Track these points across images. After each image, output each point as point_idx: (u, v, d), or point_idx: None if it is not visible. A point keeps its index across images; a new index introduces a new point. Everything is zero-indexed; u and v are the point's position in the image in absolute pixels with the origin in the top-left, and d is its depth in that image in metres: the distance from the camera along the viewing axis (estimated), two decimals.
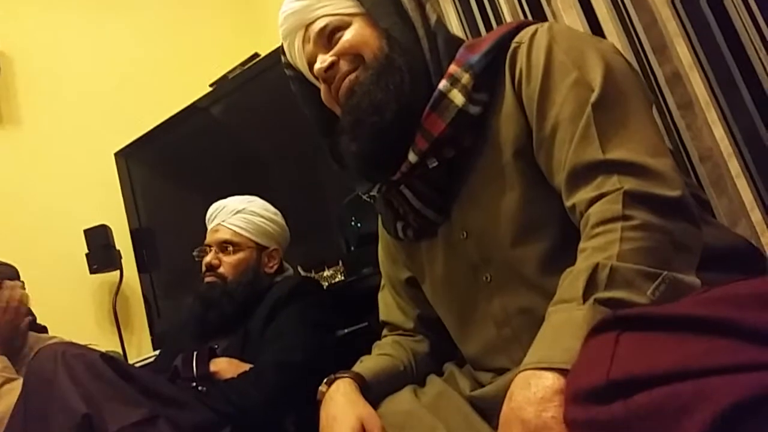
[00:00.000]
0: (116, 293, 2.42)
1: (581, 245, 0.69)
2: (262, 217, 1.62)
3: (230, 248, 1.58)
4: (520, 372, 0.60)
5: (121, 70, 2.72)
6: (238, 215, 1.60)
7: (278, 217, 1.67)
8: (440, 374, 0.99)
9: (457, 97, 0.82)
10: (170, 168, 2.47)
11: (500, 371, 0.88)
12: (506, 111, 0.83)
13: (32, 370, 1.14)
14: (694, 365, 0.41)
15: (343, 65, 0.90)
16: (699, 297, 0.51)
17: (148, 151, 2.47)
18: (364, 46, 0.89)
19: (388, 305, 1.11)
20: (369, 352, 1.05)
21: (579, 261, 0.67)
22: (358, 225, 1.89)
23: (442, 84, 0.83)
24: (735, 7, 1.12)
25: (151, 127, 2.41)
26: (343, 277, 1.81)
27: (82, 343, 1.27)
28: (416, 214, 0.92)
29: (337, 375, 0.92)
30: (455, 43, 0.88)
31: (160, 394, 1.18)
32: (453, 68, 0.84)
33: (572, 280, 0.64)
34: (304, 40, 0.94)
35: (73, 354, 1.14)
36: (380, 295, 1.13)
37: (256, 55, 2.33)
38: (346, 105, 0.90)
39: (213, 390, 1.28)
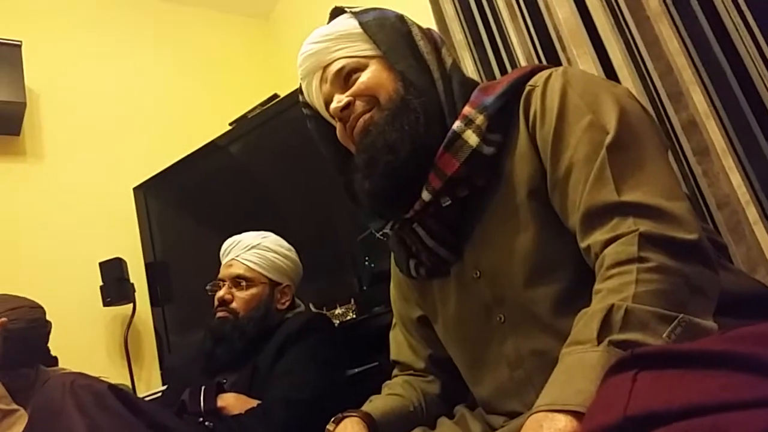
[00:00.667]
0: (128, 326, 2.42)
1: (596, 287, 0.69)
2: (276, 252, 1.62)
3: (243, 283, 1.58)
4: (532, 414, 0.59)
5: (144, 107, 2.79)
6: (252, 250, 1.60)
7: (292, 253, 1.67)
8: (451, 416, 0.97)
9: (471, 138, 0.82)
10: (187, 203, 2.51)
11: (512, 415, 0.87)
12: (520, 152, 0.83)
13: (40, 400, 1.14)
14: (712, 401, 0.40)
15: (359, 105, 0.91)
16: (719, 336, 0.50)
17: (166, 186, 2.50)
18: (379, 87, 0.90)
19: (399, 344, 1.10)
20: (379, 392, 1.04)
21: (594, 302, 0.67)
22: (371, 264, 1.89)
23: (456, 125, 0.84)
24: (750, 54, 1.13)
25: (171, 163, 2.45)
26: (354, 316, 1.80)
27: (93, 375, 1.27)
28: (429, 252, 0.92)
29: (345, 414, 0.91)
30: (470, 85, 0.90)
31: (167, 428, 1.17)
32: (467, 109, 0.85)
33: (587, 321, 0.63)
34: (322, 81, 0.96)
35: (81, 384, 1.13)
36: (391, 334, 1.12)
37: (275, 95, 2.38)
38: (361, 144, 0.91)
39: (220, 425, 1.27)
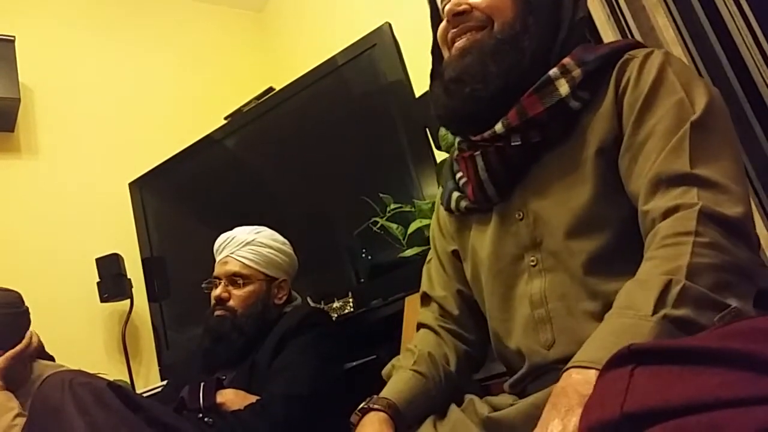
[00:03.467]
0: (126, 322, 2.42)
1: (651, 252, 0.70)
2: (271, 248, 1.61)
3: (240, 281, 1.57)
4: (572, 366, 0.61)
5: (138, 102, 2.78)
6: (247, 247, 1.59)
7: (286, 247, 1.66)
8: (460, 403, 0.97)
9: (563, 87, 0.84)
10: (183, 198, 2.50)
11: (521, 356, 0.88)
12: (601, 112, 0.84)
13: (39, 398, 1.14)
14: (709, 398, 0.41)
15: (473, 18, 0.90)
16: (715, 331, 0.50)
17: (162, 181, 2.50)
18: (499, 11, 0.89)
19: (431, 277, 1.09)
20: (378, 385, 1.03)
21: (647, 267, 0.69)
22: (369, 257, 1.89)
23: (553, 71, 0.85)
24: (746, 44, 1.13)
25: (166, 158, 2.44)
26: (352, 309, 1.81)
27: (91, 371, 1.27)
28: (478, 186, 0.92)
29: (372, 405, 0.89)
30: (584, 43, 0.90)
31: (166, 425, 1.17)
32: (567, 60, 0.86)
33: (643, 289, 0.65)
34: None
35: (80, 382, 1.13)
36: (425, 268, 1.12)
37: (270, 89, 2.37)
38: (457, 61, 0.91)
39: (219, 421, 1.27)
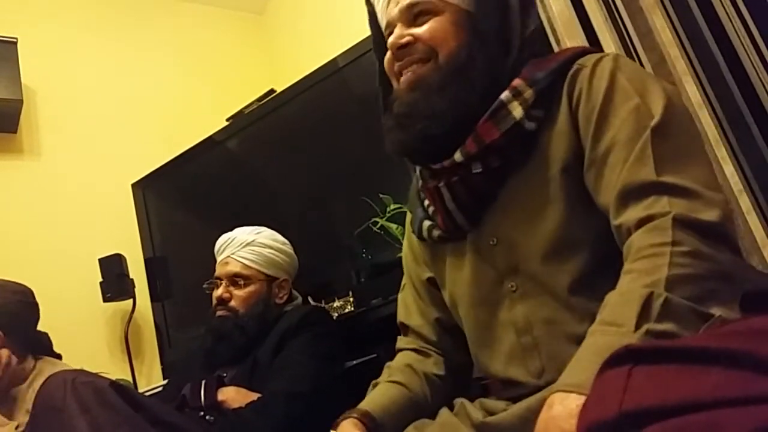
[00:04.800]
0: (128, 322, 2.43)
1: (628, 266, 0.69)
2: (271, 248, 1.62)
3: (241, 282, 1.58)
4: (558, 391, 0.59)
5: (140, 104, 2.78)
6: (247, 248, 1.60)
7: (286, 247, 1.67)
8: (451, 407, 0.97)
9: (517, 110, 0.82)
10: (186, 199, 2.51)
11: (514, 385, 0.87)
12: (558, 129, 0.83)
13: (41, 397, 1.15)
14: (707, 397, 0.41)
15: (416, 50, 0.88)
16: (713, 331, 0.51)
17: (164, 182, 2.50)
18: (443, 42, 0.87)
19: (407, 306, 1.08)
20: None
21: (626, 281, 0.67)
22: (369, 257, 1.89)
23: (505, 95, 0.83)
24: (743, 44, 1.13)
25: (169, 159, 2.45)
26: (352, 309, 1.81)
27: (93, 371, 1.28)
28: (447, 216, 0.91)
29: (346, 415, 0.90)
30: (538, 57, 0.88)
31: (168, 423, 1.18)
32: (518, 81, 0.84)
33: (624, 304, 0.63)
34: (391, 0, 0.92)
35: (83, 381, 1.14)
36: (400, 296, 1.11)
37: (272, 91, 2.37)
38: (405, 95, 0.89)
39: (220, 419, 1.28)
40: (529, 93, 0.82)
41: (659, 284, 0.62)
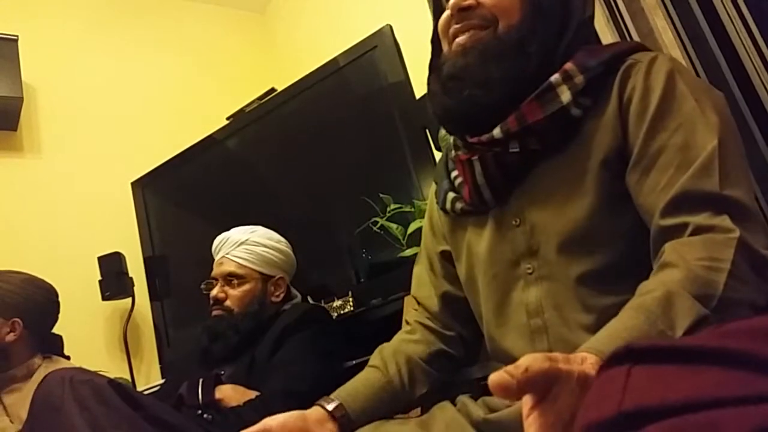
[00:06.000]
0: (127, 320, 2.43)
1: (683, 263, 0.68)
2: (266, 246, 1.63)
3: (235, 281, 1.59)
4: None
5: (141, 102, 2.78)
6: (241, 247, 1.61)
7: (282, 245, 1.67)
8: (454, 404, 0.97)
9: (565, 94, 0.81)
10: (185, 198, 2.51)
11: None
12: (605, 120, 0.82)
13: (39, 395, 1.15)
14: (706, 396, 0.40)
15: (476, 16, 0.87)
16: (713, 330, 0.50)
17: (164, 180, 2.50)
18: (505, 13, 0.86)
19: (419, 279, 1.08)
20: None
21: (679, 278, 0.66)
22: (369, 256, 1.89)
23: (555, 77, 0.82)
24: (744, 46, 1.13)
25: (169, 158, 2.45)
26: (352, 308, 1.81)
27: (92, 369, 1.28)
28: (474, 189, 0.90)
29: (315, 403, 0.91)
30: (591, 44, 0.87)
31: (167, 423, 1.18)
32: (569, 65, 0.83)
33: (677, 307, 0.62)
34: None
35: (81, 380, 1.14)
36: (415, 269, 1.11)
37: (272, 90, 2.37)
38: (457, 57, 0.88)
39: (218, 417, 1.28)
40: (579, 79, 0.81)
41: (711, 301, 0.63)
